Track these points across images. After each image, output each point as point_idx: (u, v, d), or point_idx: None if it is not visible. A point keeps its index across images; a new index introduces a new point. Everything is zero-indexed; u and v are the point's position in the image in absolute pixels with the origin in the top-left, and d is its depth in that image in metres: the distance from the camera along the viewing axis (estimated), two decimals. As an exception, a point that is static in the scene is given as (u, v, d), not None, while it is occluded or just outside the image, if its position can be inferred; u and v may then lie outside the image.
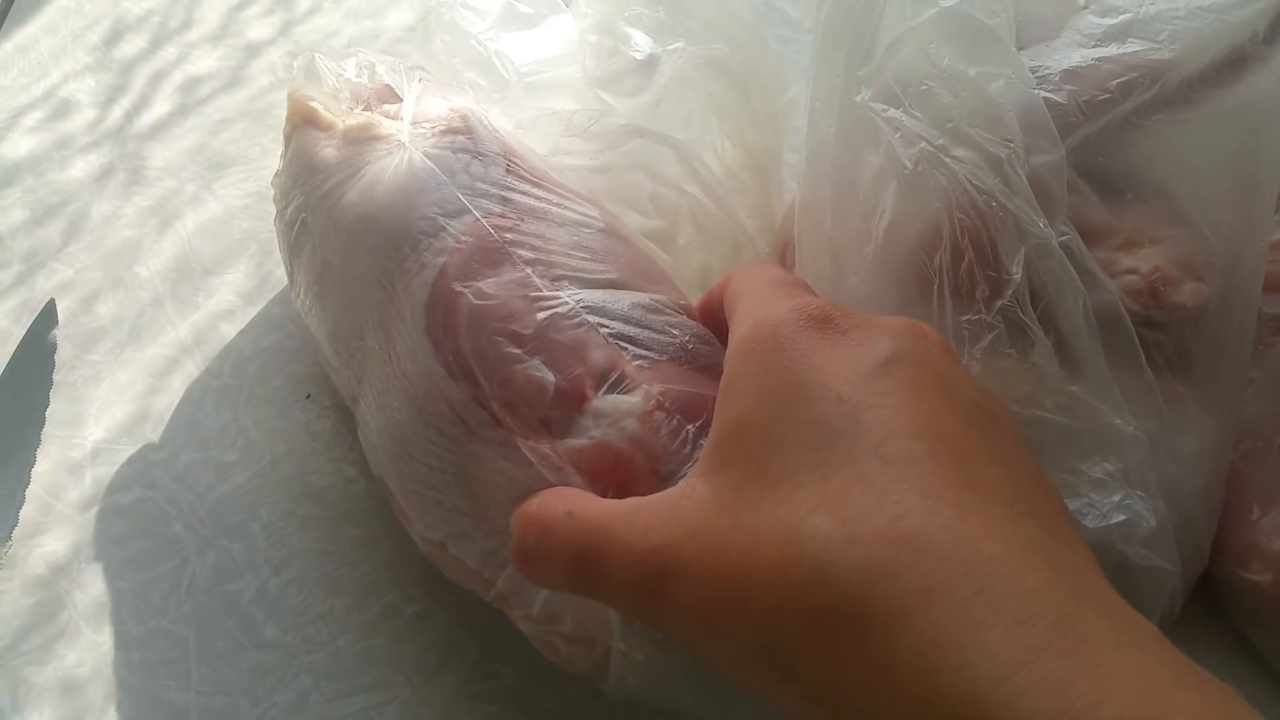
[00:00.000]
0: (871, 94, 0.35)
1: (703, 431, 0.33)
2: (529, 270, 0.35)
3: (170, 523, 0.43)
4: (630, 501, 0.30)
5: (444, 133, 0.38)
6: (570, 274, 0.36)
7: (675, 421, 0.33)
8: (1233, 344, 0.40)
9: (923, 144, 0.34)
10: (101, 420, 0.46)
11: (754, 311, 0.31)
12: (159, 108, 0.55)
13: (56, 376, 0.46)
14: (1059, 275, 0.35)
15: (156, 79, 0.56)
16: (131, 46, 0.57)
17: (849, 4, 0.35)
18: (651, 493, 0.30)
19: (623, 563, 0.28)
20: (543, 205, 0.38)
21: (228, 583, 0.42)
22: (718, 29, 0.44)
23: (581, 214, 0.38)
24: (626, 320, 0.35)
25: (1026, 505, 0.26)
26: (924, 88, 0.34)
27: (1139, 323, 0.39)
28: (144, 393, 0.46)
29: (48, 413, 0.45)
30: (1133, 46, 0.39)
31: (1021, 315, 0.35)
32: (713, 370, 0.34)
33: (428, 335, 0.35)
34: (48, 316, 0.47)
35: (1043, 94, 0.37)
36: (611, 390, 0.34)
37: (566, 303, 0.35)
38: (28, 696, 0.39)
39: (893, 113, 0.34)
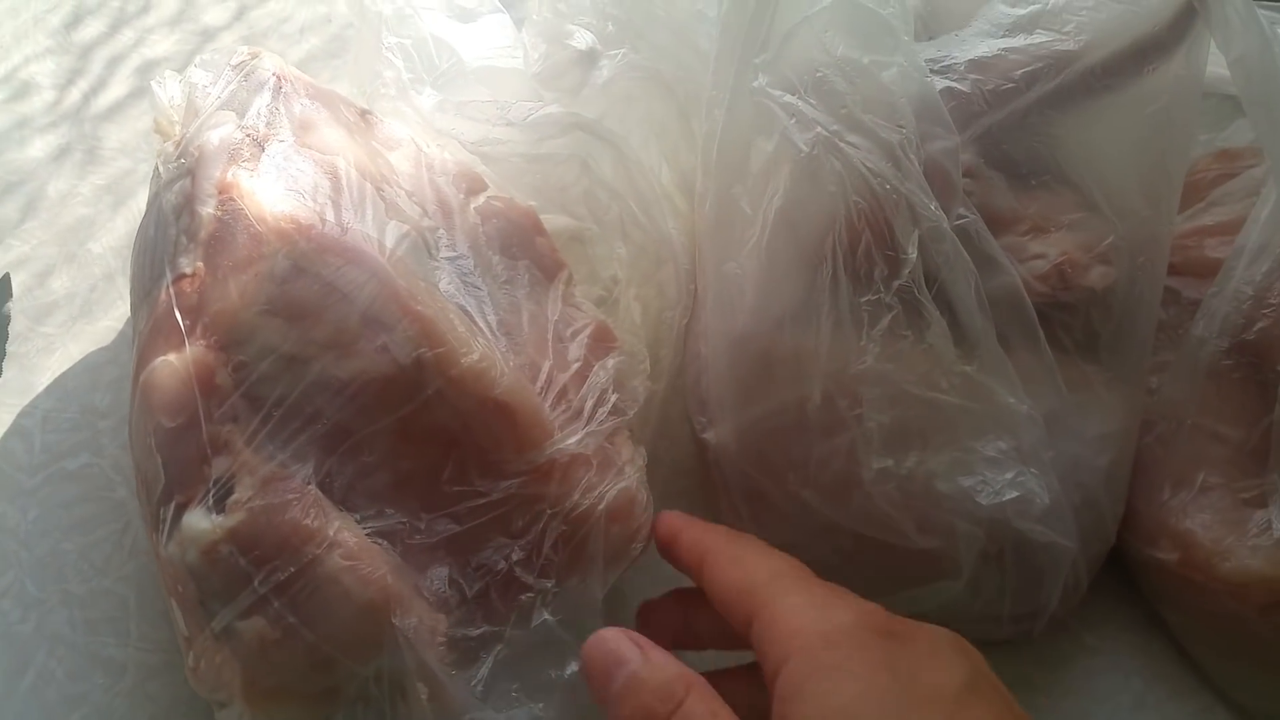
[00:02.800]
0: (768, 80, 0.36)
1: (285, 587, 0.33)
2: (203, 343, 0.35)
3: (115, 488, 0.45)
4: None
5: (176, 170, 0.38)
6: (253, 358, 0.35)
7: (242, 562, 0.33)
8: (1140, 327, 0.41)
9: (818, 129, 0.35)
10: (52, 390, 0.47)
11: (813, 613, 0.31)
12: (116, 90, 0.56)
13: (10, 348, 0.48)
14: (951, 257, 0.36)
15: (114, 62, 0.58)
16: (91, 30, 0.59)
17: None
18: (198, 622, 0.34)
19: None
20: (242, 254, 0.36)
21: (166, 548, 0.43)
22: (665, 50, 0.44)
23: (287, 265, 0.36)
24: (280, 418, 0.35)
25: None
26: (819, 75, 0.35)
27: (1047, 305, 0.40)
28: (94, 364, 0.48)
29: (0, 381, 0.47)
30: (1040, 37, 0.39)
31: (918, 295, 0.36)
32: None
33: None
34: (2, 290, 0.49)
35: (947, 83, 0.38)
36: (218, 501, 0.34)
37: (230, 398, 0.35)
38: (-27, 652, 0.41)
39: (789, 99, 0.35)
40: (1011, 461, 0.38)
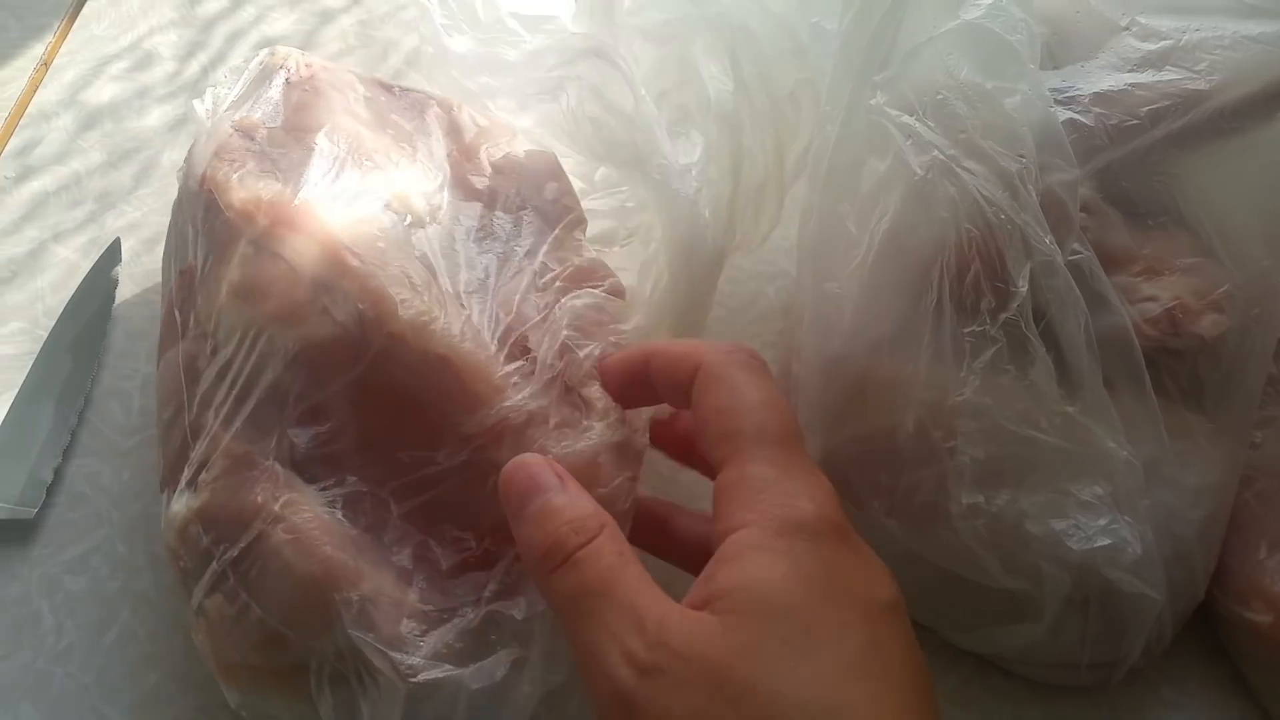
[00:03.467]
0: (886, 99, 0.35)
1: (238, 563, 0.33)
2: (192, 333, 0.37)
3: (205, 456, 0.46)
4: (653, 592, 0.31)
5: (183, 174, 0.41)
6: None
7: (205, 541, 0.34)
8: (1248, 379, 0.40)
9: (935, 152, 0.35)
10: (153, 356, 0.48)
11: (779, 496, 0.32)
12: (234, 64, 0.57)
13: (115, 311, 0.49)
14: (1062, 294, 0.35)
15: (234, 37, 0.59)
16: (214, 5, 0.60)
17: (871, 10, 0.35)
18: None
19: (620, 634, 0.30)
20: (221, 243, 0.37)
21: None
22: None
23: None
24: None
25: None
26: (940, 97, 0.35)
27: (1155, 350, 0.39)
28: (194, 333, 0.49)
29: (104, 344, 0.48)
30: (1170, 74, 0.38)
31: (1024, 330, 0.35)
32: None
33: None
34: (113, 254, 0.50)
35: (1070, 114, 0.38)
36: (192, 483, 0.35)
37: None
38: (64, 602, 0.42)
39: (906, 119, 0.35)
40: (1106, 508, 0.37)
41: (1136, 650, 0.40)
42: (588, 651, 0.30)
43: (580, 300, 0.38)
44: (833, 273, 0.38)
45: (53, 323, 0.48)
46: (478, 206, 0.40)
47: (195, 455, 0.35)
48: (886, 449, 0.38)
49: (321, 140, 0.39)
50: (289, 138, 0.39)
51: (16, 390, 0.46)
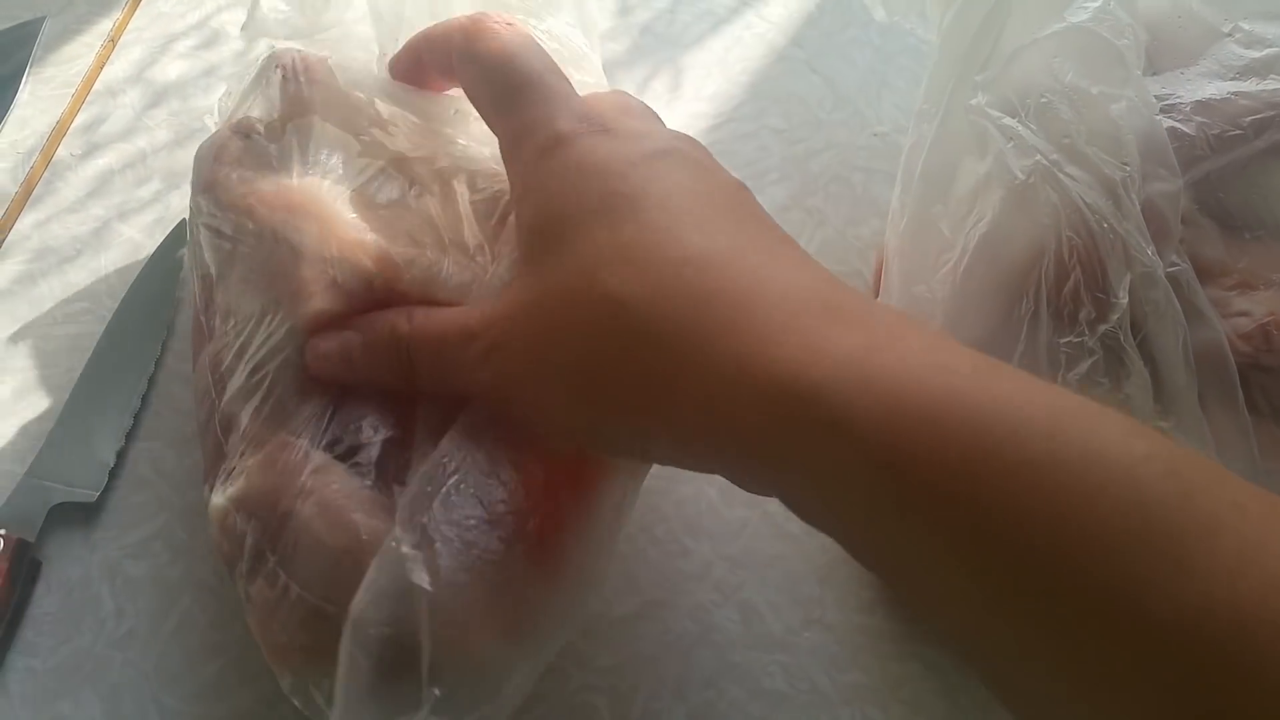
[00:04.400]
0: (988, 100, 0.34)
1: (274, 543, 0.34)
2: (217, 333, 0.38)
3: (268, 442, 0.45)
4: (464, 308, 0.35)
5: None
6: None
7: (243, 527, 0.34)
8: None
9: (1038, 156, 0.34)
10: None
11: (536, 118, 0.33)
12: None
13: (180, 294, 0.49)
14: (1162, 307, 0.34)
15: (303, 18, 0.58)
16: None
17: (974, 10, 0.35)
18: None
19: (461, 342, 0.33)
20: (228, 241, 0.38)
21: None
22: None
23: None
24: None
25: (789, 242, 0.32)
26: (1043, 100, 0.34)
27: (1247, 366, 0.38)
28: (257, 317, 0.49)
29: (169, 327, 0.48)
30: (1273, 84, 0.37)
31: (1123, 342, 0.34)
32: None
33: None
34: (178, 235, 0.50)
35: (1170, 123, 0.37)
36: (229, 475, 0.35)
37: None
38: (124, 587, 0.42)
39: (1008, 121, 0.34)
40: (1198, 527, 0.36)
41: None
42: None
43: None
44: (922, 275, 0.37)
45: (117, 304, 0.48)
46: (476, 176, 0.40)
47: (229, 447, 0.36)
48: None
49: (316, 123, 0.39)
50: (285, 129, 0.40)
51: (80, 372, 0.46)
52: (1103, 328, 0.33)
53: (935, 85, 0.36)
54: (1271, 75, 0.38)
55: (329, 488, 0.34)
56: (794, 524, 0.43)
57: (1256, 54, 0.38)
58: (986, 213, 0.34)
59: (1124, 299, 0.33)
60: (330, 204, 0.37)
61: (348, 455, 0.35)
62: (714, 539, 0.44)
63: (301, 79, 0.41)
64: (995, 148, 0.34)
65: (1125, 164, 0.33)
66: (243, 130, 0.40)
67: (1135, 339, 0.34)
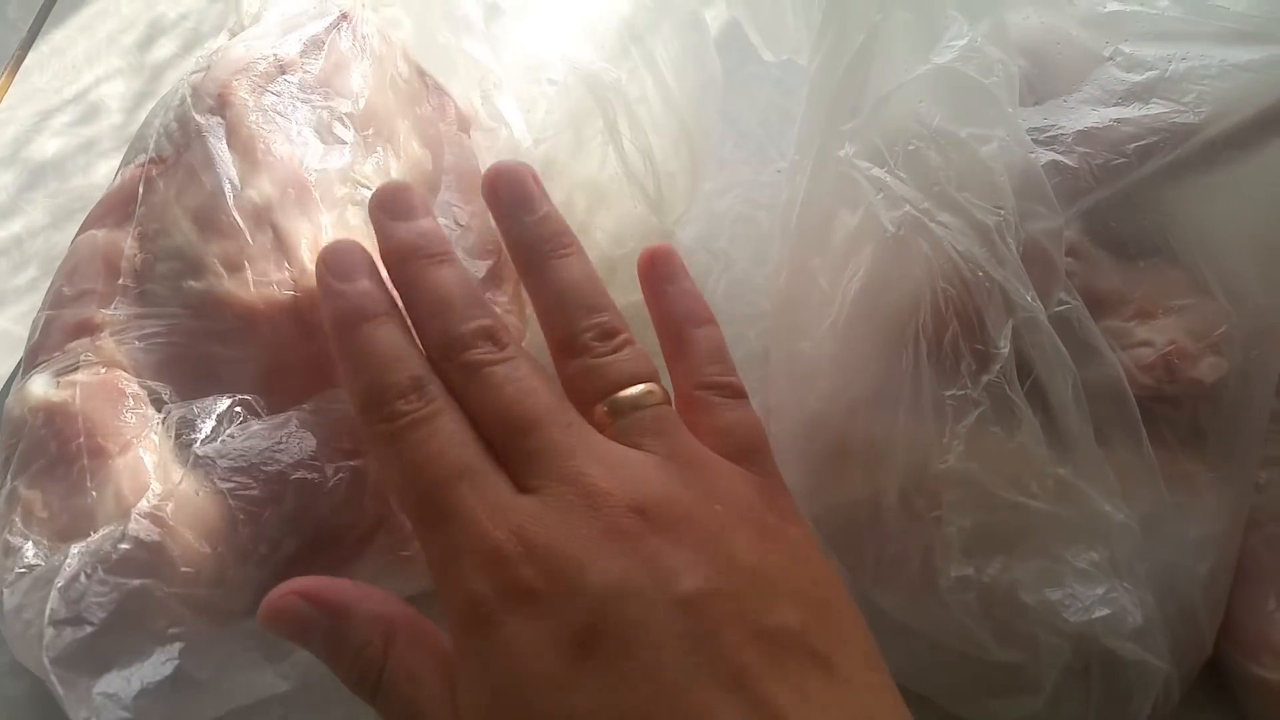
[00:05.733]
0: (856, 150, 0.33)
1: (63, 454, 0.33)
2: (134, 229, 0.37)
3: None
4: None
5: (203, 61, 0.40)
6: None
7: (44, 434, 0.33)
8: (1250, 423, 0.38)
9: (907, 207, 0.33)
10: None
11: (448, 581, 0.29)
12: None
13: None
14: (1047, 351, 0.33)
15: (183, 86, 0.56)
16: (164, 51, 0.58)
17: (839, 56, 0.34)
18: None
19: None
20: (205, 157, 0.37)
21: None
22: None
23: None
24: None
25: None
26: (911, 147, 0.33)
27: (1150, 397, 0.37)
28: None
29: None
30: (1156, 108, 0.37)
31: (1009, 391, 0.33)
32: None
33: None
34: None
35: (1053, 156, 0.36)
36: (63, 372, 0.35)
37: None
38: None
39: (877, 172, 0.33)
40: (1104, 575, 0.35)
41: (1144, 717, 0.38)
42: None
43: None
44: (806, 330, 0.36)
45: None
46: (450, 228, 0.40)
47: (75, 347, 0.35)
48: (871, 517, 0.36)
49: (345, 108, 0.39)
50: (318, 92, 0.38)
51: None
52: (985, 378, 0.32)
53: (804, 136, 0.35)
54: (1154, 100, 0.37)
55: (148, 456, 0.33)
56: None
57: (1138, 78, 0.37)
58: (861, 267, 0.33)
59: (1004, 348, 0.32)
60: (317, 208, 0.37)
61: (181, 434, 0.34)
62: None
63: (358, 47, 0.40)
64: (865, 199, 0.33)
65: (999, 207, 0.32)
66: (282, 64, 0.38)
67: (1025, 385, 0.33)
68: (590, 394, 0.32)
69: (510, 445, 0.30)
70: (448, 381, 0.31)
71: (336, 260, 0.33)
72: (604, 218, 0.44)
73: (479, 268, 0.40)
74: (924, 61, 0.33)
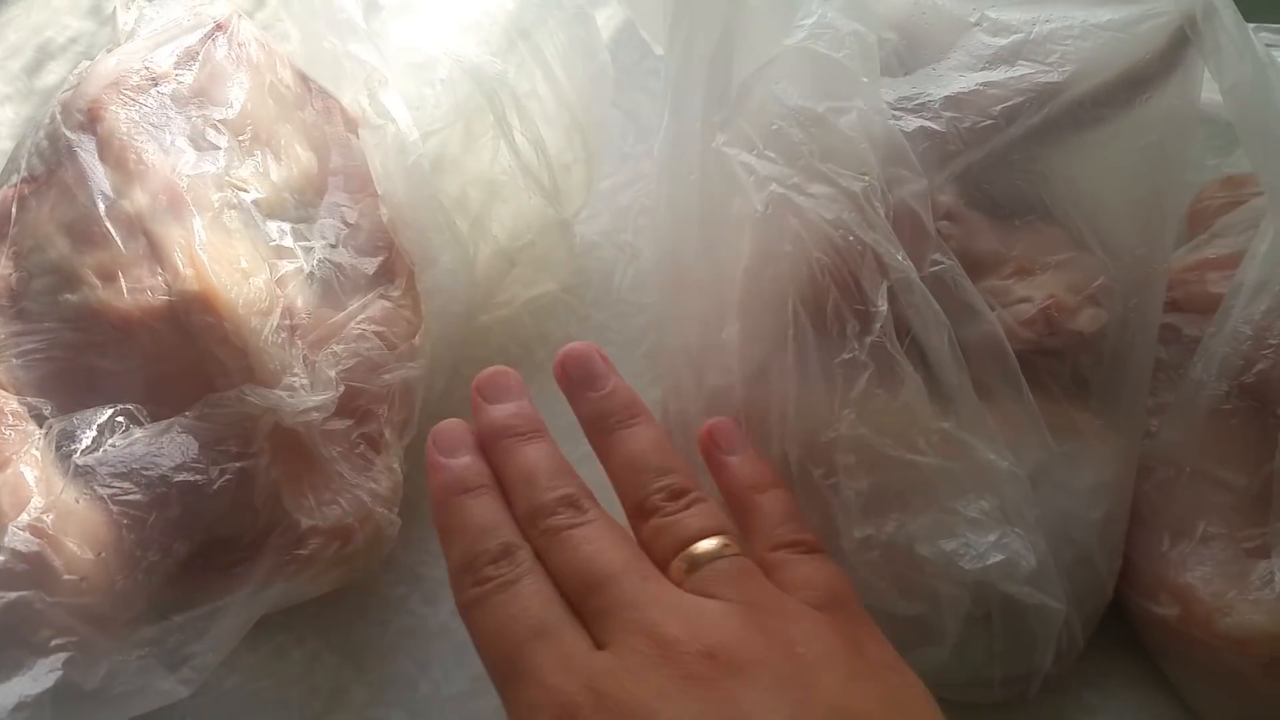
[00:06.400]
0: (726, 139, 0.34)
1: None
2: (9, 248, 0.37)
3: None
4: None
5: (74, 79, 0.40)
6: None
7: None
8: (1133, 371, 0.39)
9: (773, 186, 0.33)
10: None
11: (515, 685, 0.31)
12: (76, 137, 0.55)
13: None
14: (922, 309, 0.34)
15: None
16: (53, 75, 0.57)
17: (700, 49, 0.34)
18: None
19: None
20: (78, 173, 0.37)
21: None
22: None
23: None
24: None
25: None
26: (775, 127, 0.34)
27: (1033, 351, 0.38)
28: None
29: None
30: (1021, 69, 0.38)
31: (890, 350, 0.34)
32: None
33: None
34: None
35: (920, 122, 0.37)
36: None
37: None
38: None
39: (745, 156, 0.34)
40: (995, 523, 0.36)
41: (1048, 660, 0.39)
42: None
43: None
44: (698, 314, 0.36)
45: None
46: (337, 228, 0.40)
47: None
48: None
49: (218, 115, 0.39)
50: (192, 102, 0.39)
51: None
52: (869, 339, 0.33)
53: (676, 129, 0.36)
54: (1019, 61, 0.38)
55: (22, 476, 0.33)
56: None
57: (1003, 41, 0.38)
58: (744, 249, 0.34)
59: (883, 307, 0.33)
60: (188, 210, 0.37)
61: (62, 446, 0.34)
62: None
63: (234, 57, 0.40)
64: (740, 185, 0.34)
65: (864, 175, 0.33)
66: (155, 75, 0.38)
67: (904, 344, 0.34)
68: (666, 551, 0.33)
69: (586, 602, 0.31)
70: (535, 546, 0.33)
71: (443, 438, 0.35)
72: (500, 211, 0.45)
73: (370, 264, 0.40)
74: (776, 45, 0.34)
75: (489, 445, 0.35)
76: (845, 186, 0.33)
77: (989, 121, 0.37)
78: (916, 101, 0.37)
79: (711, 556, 0.32)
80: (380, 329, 0.39)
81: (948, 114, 0.37)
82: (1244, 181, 0.45)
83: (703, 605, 0.31)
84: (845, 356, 0.34)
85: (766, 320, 0.35)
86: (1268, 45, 0.40)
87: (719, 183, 0.36)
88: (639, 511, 0.34)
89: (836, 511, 0.36)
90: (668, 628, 0.30)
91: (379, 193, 0.41)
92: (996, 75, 0.38)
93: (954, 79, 0.38)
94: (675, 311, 0.38)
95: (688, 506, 0.34)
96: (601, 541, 0.32)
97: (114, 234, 0.36)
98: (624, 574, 0.31)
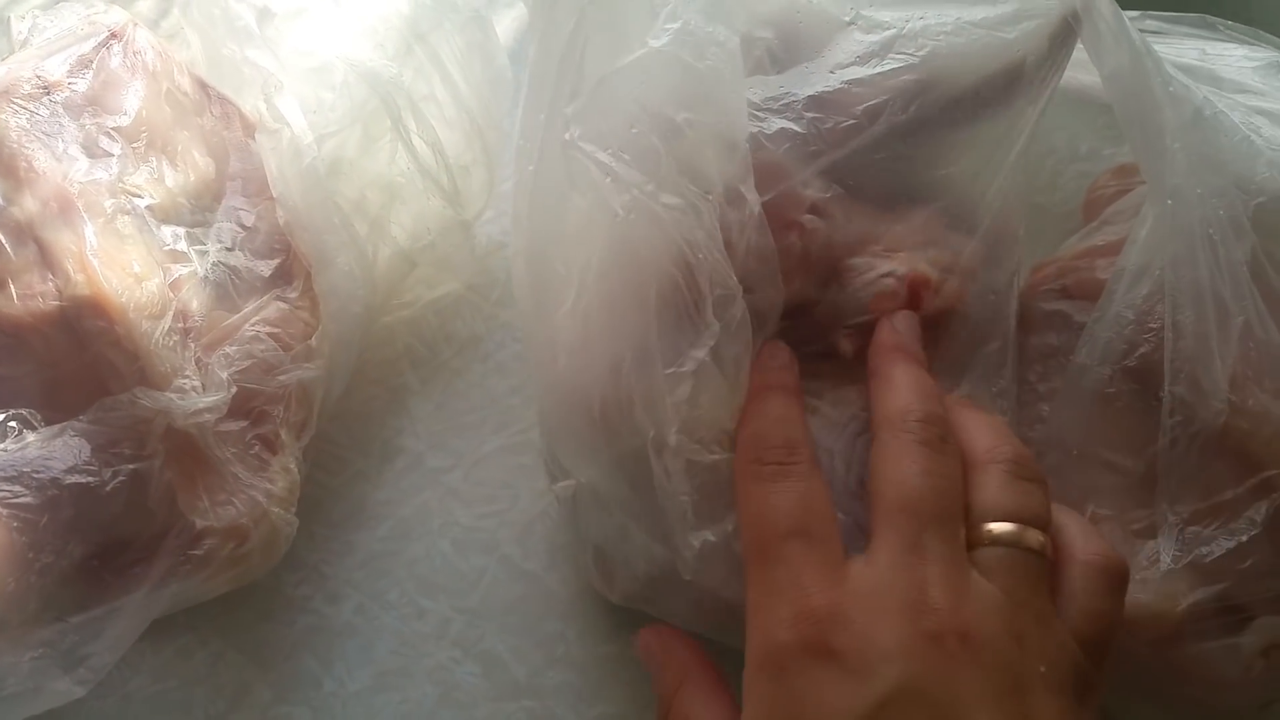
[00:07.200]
0: (580, 134, 0.34)
1: None
2: None
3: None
4: None
5: None
6: None
7: None
8: (992, 347, 0.40)
9: (634, 191, 0.34)
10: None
11: (758, 621, 0.32)
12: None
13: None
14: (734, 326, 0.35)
15: None
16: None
17: (554, 40, 0.34)
18: None
19: None
20: None
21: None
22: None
23: None
24: None
25: None
26: (634, 131, 0.33)
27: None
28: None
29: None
30: (889, 64, 0.38)
31: (710, 360, 0.35)
32: None
33: None
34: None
35: (783, 124, 0.37)
36: None
37: None
38: None
39: (603, 156, 0.33)
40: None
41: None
42: None
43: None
44: (551, 317, 0.37)
45: None
46: (235, 231, 0.41)
47: None
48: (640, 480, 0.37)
49: (111, 123, 0.39)
50: (85, 110, 0.39)
51: None
52: (697, 354, 0.34)
53: (528, 120, 0.36)
54: (889, 55, 0.38)
55: None
56: (533, 561, 0.44)
57: (876, 38, 0.38)
58: (595, 252, 0.34)
59: (716, 324, 0.33)
60: (81, 217, 0.37)
61: None
62: (450, 594, 0.44)
63: (128, 64, 0.41)
64: (594, 183, 0.34)
65: (708, 194, 0.33)
66: (46, 84, 0.39)
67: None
68: (986, 507, 0.33)
69: (883, 512, 0.32)
70: (880, 439, 0.34)
71: (770, 351, 0.36)
72: (400, 213, 0.46)
73: (266, 267, 0.41)
74: (640, 45, 0.34)
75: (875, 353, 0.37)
76: (694, 203, 0.33)
77: (850, 121, 0.37)
78: (782, 102, 0.37)
79: (1017, 541, 0.32)
80: (275, 330, 0.40)
81: (810, 114, 0.37)
82: (1135, 170, 0.45)
83: (979, 587, 0.31)
84: (676, 370, 0.34)
85: (615, 326, 0.35)
86: (1145, 33, 0.41)
87: (561, 178, 0.35)
88: (983, 457, 0.34)
89: (675, 525, 0.36)
90: (937, 592, 0.30)
91: (275, 196, 0.42)
92: (862, 73, 0.37)
93: (820, 78, 0.38)
94: (524, 308, 0.38)
95: (1033, 480, 0.34)
96: (945, 471, 0.33)
97: (3, 241, 0.37)
98: (928, 516, 0.32)
